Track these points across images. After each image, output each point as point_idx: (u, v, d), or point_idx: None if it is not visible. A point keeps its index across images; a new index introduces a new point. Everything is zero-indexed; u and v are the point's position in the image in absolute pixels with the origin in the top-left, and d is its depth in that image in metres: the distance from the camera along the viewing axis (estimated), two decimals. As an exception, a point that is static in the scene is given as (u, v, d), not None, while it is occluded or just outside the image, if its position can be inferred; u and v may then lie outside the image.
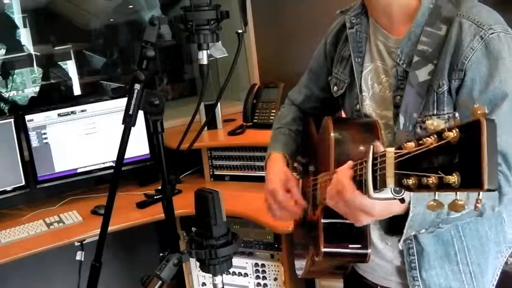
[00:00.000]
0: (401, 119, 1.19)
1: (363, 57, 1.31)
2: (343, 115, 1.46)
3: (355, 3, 1.35)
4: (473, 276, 1.26)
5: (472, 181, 0.66)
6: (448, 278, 1.26)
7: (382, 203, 0.99)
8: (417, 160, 0.74)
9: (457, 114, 0.71)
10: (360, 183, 0.98)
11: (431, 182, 0.70)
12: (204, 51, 1.36)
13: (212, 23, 1.35)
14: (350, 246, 1.19)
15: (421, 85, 1.17)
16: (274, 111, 2.73)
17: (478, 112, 0.65)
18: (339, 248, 1.19)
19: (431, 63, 1.15)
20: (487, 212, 1.13)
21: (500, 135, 1.06)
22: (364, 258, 1.19)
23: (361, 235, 1.17)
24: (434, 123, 0.71)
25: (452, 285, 1.26)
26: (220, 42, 1.40)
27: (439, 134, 0.70)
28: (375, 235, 1.28)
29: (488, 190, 0.64)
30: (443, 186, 0.69)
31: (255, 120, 2.78)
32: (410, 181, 0.75)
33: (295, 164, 1.53)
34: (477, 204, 0.68)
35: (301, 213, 1.38)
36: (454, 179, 0.67)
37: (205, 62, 1.37)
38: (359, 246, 1.18)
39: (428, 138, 0.71)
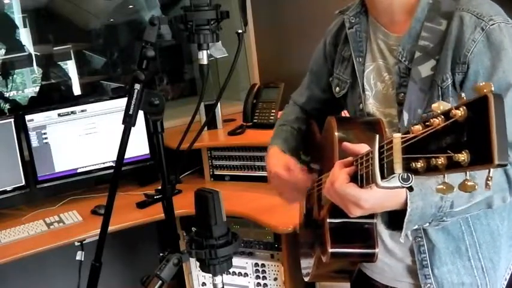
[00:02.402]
0: (405, 116, 1.19)
1: (364, 56, 1.31)
2: (346, 115, 1.46)
3: (353, 2, 1.35)
4: (485, 271, 1.26)
5: (482, 157, 0.64)
6: (460, 273, 1.25)
7: (377, 198, 1.00)
8: (425, 143, 0.73)
9: (463, 94, 0.71)
10: (362, 177, 0.98)
11: (440, 162, 0.69)
12: (204, 51, 1.36)
13: (212, 23, 1.35)
14: (357, 245, 1.18)
15: (424, 81, 1.16)
16: (274, 111, 2.73)
17: (485, 90, 0.64)
18: (346, 248, 1.18)
19: (433, 58, 1.15)
20: (495, 203, 1.12)
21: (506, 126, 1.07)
22: (371, 257, 1.18)
23: (368, 234, 1.16)
24: (441, 106, 0.70)
25: (464, 281, 1.26)
26: (220, 42, 1.39)
27: (446, 114, 0.68)
28: (386, 233, 1.28)
29: (499, 165, 0.63)
30: (452, 165, 0.67)
31: (255, 120, 2.78)
32: (419, 164, 0.73)
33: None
34: (488, 182, 0.67)
35: (306, 186, 1.38)
36: (463, 156, 0.65)
37: (205, 62, 1.37)
38: (366, 245, 1.17)
39: (435, 119, 0.70)
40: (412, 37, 1.19)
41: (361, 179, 0.99)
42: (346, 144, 1.08)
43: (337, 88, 1.40)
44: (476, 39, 1.10)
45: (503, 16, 1.13)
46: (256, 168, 2.61)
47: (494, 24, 1.10)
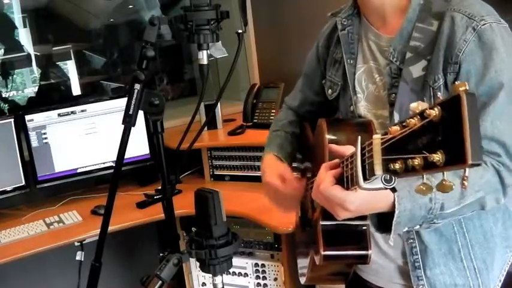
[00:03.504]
0: (397, 117, 1.18)
1: (355, 58, 1.31)
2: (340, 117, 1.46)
3: (345, 4, 1.35)
4: (477, 272, 1.25)
5: (456, 157, 0.64)
6: (453, 275, 1.25)
7: (363, 199, 1.00)
8: (403, 143, 0.73)
9: (439, 94, 0.71)
10: (347, 179, 0.98)
11: (416, 163, 0.69)
12: (204, 51, 1.36)
13: (212, 23, 1.35)
14: (350, 247, 1.18)
15: (416, 81, 1.16)
16: (274, 111, 2.73)
17: (460, 89, 0.64)
18: (339, 250, 1.18)
19: (425, 58, 1.15)
20: (489, 204, 1.11)
21: (498, 125, 1.07)
22: (365, 259, 1.18)
23: (361, 236, 1.16)
24: (420, 106, 0.70)
25: (457, 282, 1.25)
26: (220, 42, 1.39)
27: (422, 114, 0.69)
28: (378, 235, 1.27)
29: (473, 165, 0.63)
30: (428, 166, 0.68)
31: (255, 120, 2.79)
32: (397, 165, 0.73)
33: (294, 164, 1.53)
34: (464, 182, 0.67)
35: (301, 196, 1.37)
36: (438, 157, 0.66)
37: (205, 62, 1.37)
38: (359, 247, 1.17)
39: (411, 120, 0.70)
40: (403, 38, 1.19)
41: (346, 180, 0.99)
42: (332, 146, 1.08)
43: (330, 90, 1.40)
44: (468, 39, 1.10)
45: (494, 16, 1.13)
46: (256, 168, 2.61)
47: (485, 24, 1.10)
